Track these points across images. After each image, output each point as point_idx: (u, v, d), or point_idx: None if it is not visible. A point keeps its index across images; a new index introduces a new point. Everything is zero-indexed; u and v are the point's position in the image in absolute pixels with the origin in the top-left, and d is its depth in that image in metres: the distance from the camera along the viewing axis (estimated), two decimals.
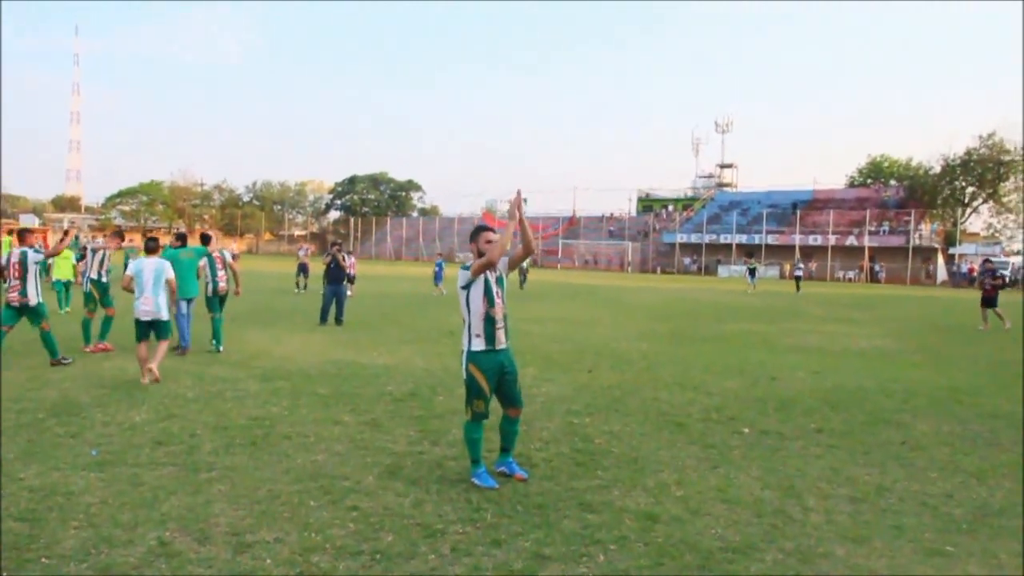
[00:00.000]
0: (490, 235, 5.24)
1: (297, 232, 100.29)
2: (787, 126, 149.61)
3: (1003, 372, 11.51)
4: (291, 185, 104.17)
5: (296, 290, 25.21)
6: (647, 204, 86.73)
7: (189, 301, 10.96)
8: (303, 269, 25.95)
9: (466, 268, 5.22)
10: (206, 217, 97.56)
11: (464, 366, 5.27)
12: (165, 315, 8.77)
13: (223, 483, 5.08)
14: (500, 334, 5.22)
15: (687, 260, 68.46)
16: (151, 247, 9.08)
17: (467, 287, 5.21)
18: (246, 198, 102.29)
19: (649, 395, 8.74)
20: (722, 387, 9.40)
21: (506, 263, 5.41)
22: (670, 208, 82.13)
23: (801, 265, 37.98)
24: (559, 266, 69.01)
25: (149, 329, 8.69)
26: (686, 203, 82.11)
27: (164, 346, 8.81)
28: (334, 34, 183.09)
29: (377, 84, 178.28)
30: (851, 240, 59.83)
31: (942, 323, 21.14)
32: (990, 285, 19.02)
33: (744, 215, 69.37)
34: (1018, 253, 59.23)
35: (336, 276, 15.72)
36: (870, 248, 58.13)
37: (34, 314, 9.46)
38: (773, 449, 6.54)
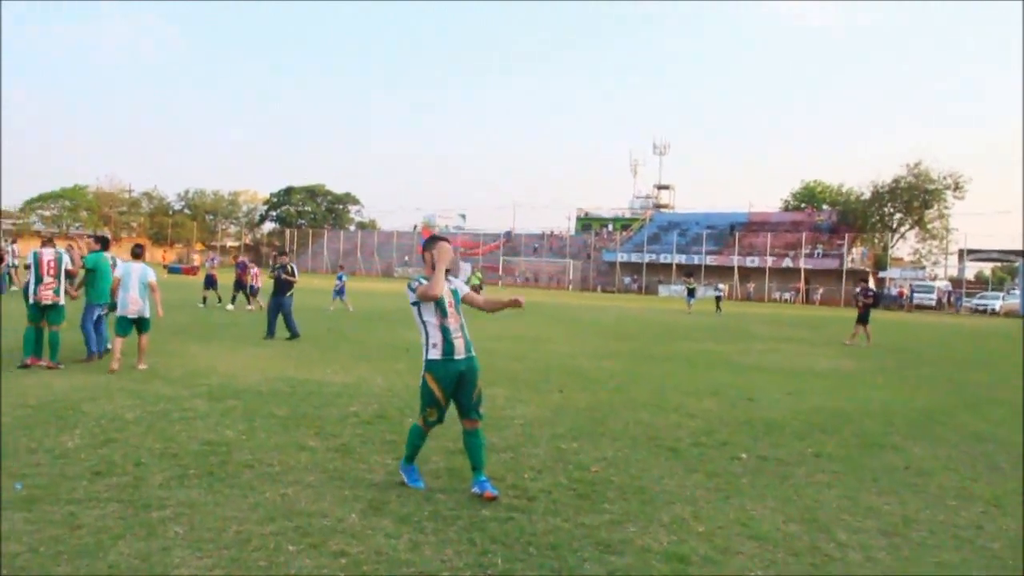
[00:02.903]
0: (444, 245, 5.23)
1: (230, 243, 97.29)
2: (722, 149, 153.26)
3: (965, 393, 11.45)
4: (224, 195, 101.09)
5: (200, 304, 22.62)
6: (586, 223, 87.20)
7: (104, 307, 10.68)
8: (210, 282, 23.80)
9: (412, 288, 5.17)
10: (134, 225, 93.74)
11: (421, 375, 5.20)
12: (148, 312, 9.96)
13: (180, 523, 4.30)
14: (458, 343, 5.18)
15: (627, 279, 68.83)
16: (137, 253, 10.40)
17: (417, 304, 5.20)
18: (177, 206, 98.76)
19: (630, 417, 8.23)
20: (701, 408, 8.98)
21: (468, 272, 5.18)
22: (609, 227, 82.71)
23: (721, 286, 38.23)
24: (500, 283, 68.52)
25: (132, 325, 9.83)
26: (624, 223, 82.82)
27: (146, 339, 10.03)
28: (270, 41, 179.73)
29: (315, 96, 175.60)
30: (787, 262, 61.08)
31: (888, 344, 21.34)
32: (862, 303, 20.03)
33: (683, 236, 70.23)
34: (941, 278, 61.43)
35: (281, 288, 14.82)
36: (805, 270, 59.42)
37: (59, 314, 10.05)
38: (780, 477, 6.09)
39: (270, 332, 14.52)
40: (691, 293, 35.54)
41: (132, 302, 9.75)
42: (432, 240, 5.29)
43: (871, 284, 57.74)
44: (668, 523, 4.79)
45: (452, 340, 5.16)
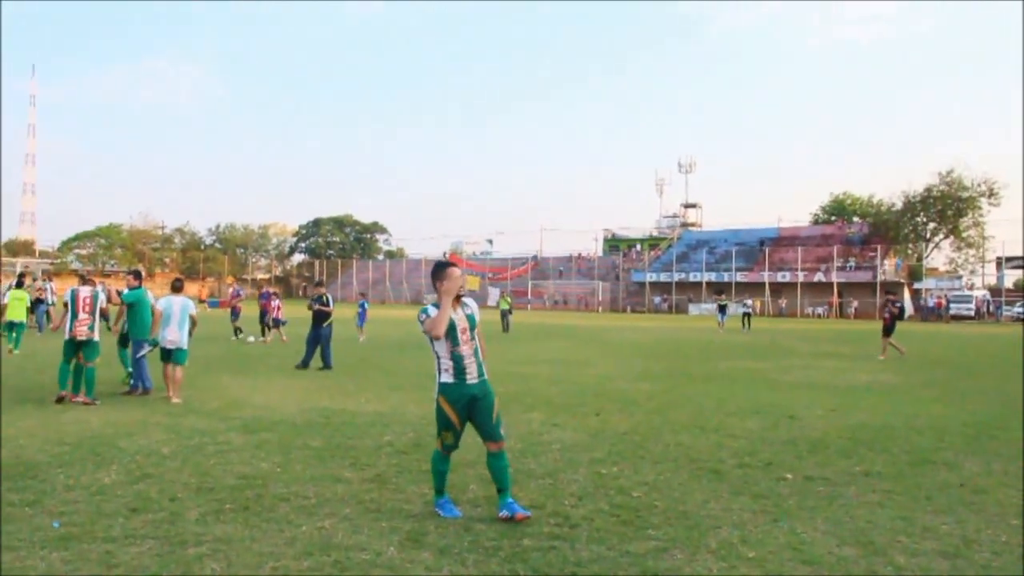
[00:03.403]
0: (455, 271, 5.18)
1: (260, 276, 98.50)
2: (749, 166, 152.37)
3: (1017, 405, 11.04)
4: (254, 228, 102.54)
5: (233, 337, 22.44)
6: (613, 243, 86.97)
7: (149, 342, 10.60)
8: (235, 313, 23.55)
9: (421, 320, 5.15)
10: (167, 260, 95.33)
11: (435, 398, 5.22)
12: (185, 345, 10.41)
13: (217, 560, 4.22)
14: (471, 368, 5.18)
15: (657, 299, 68.39)
16: (177, 287, 10.97)
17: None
18: (208, 241, 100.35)
19: (671, 439, 8.04)
20: (743, 428, 8.75)
21: (476, 306, 5.40)
22: (637, 247, 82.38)
23: (749, 302, 37.54)
24: (529, 307, 68.43)
25: (169, 355, 10.26)
26: (652, 242, 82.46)
27: (180, 371, 10.33)
28: (297, 78, 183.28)
29: (341, 128, 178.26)
30: (819, 276, 60.28)
31: (932, 356, 20.85)
32: (889, 315, 19.89)
33: (712, 253, 69.69)
34: (979, 287, 60.16)
35: (318, 319, 14.89)
36: (838, 284, 58.53)
37: (94, 349, 10.20)
38: (829, 498, 5.87)
39: (304, 362, 14.53)
40: (723, 310, 35.13)
41: (171, 333, 10.25)
42: (440, 267, 5.21)
43: (905, 296, 57.29)
44: (716, 549, 4.61)
45: (464, 366, 5.16)
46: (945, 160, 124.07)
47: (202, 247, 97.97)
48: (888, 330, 19.62)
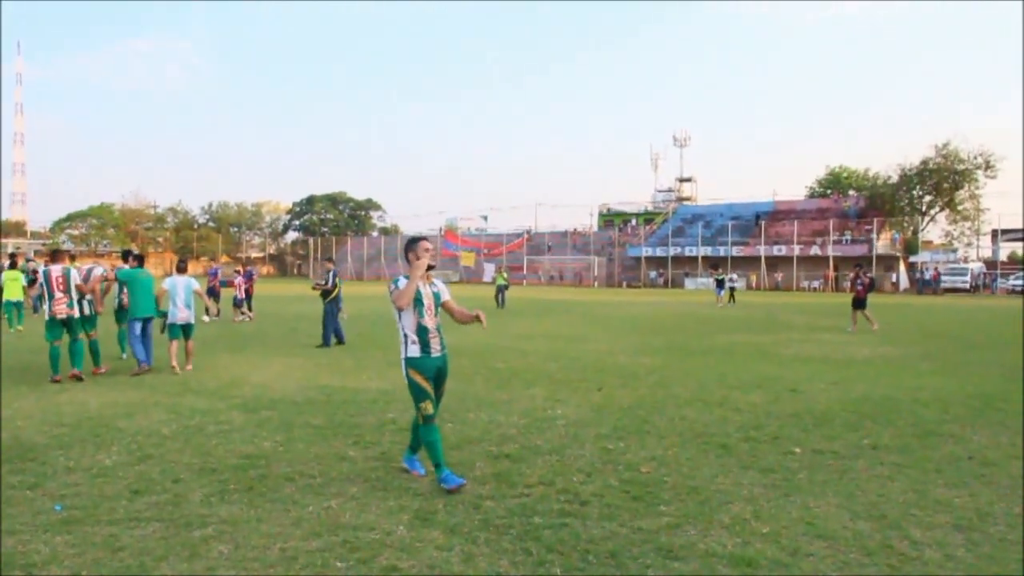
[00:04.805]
0: (426, 243, 5.42)
1: (255, 254, 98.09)
2: (744, 139, 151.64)
3: (1018, 378, 11.02)
4: (248, 206, 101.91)
5: (206, 317, 19.93)
6: (609, 219, 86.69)
7: (148, 320, 10.87)
8: (212, 293, 21.78)
9: (391, 291, 5.32)
10: (160, 240, 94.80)
11: (404, 372, 5.36)
12: (193, 319, 11.16)
13: (223, 542, 4.14)
14: (434, 343, 5.37)
15: (653, 273, 68.30)
16: (181, 268, 11.67)
17: None
18: (201, 220, 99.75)
19: (675, 413, 7.99)
20: (747, 402, 8.70)
21: (444, 287, 5.65)
22: (632, 222, 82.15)
23: (734, 276, 37.02)
24: (525, 282, 68.32)
25: (180, 331, 10.96)
26: (647, 217, 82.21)
27: (192, 344, 11.21)
28: (287, 55, 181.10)
29: (334, 104, 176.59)
30: (815, 250, 60.20)
31: (930, 328, 20.85)
32: (861, 287, 19.82)
33: (708, 228, 69.54)
34: (974, 260, 60.18)
35: (324, 296, 15.00)
36: (834, 257, 58.52)
37: (81, 325, 10.38)
38: (839, 471, 5.82)
39: (324, 341, 14.58)
40: (720, 284, 35.06)
41: (180, 311, 10.93)
42: (412, 241, 5.44)
43: (901, 269, 57.30)
44: (729, 524, 4.56)
45: (428, 340, 5.35)
46: (943, 133, 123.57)
47: (195, 226, 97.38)
48: (860, 303, 19.66)
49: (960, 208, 59.71)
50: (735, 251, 63.54)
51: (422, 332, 5.33)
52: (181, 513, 4.61)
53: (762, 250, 62.01)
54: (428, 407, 5.30)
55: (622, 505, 4.89)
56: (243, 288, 21.94)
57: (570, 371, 11.18)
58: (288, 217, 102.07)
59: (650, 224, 78.21)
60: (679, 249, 67.17)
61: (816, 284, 58.46)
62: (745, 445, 6.62)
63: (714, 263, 53.68)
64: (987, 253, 60.52)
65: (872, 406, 8.51)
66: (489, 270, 68.77)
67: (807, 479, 5.59)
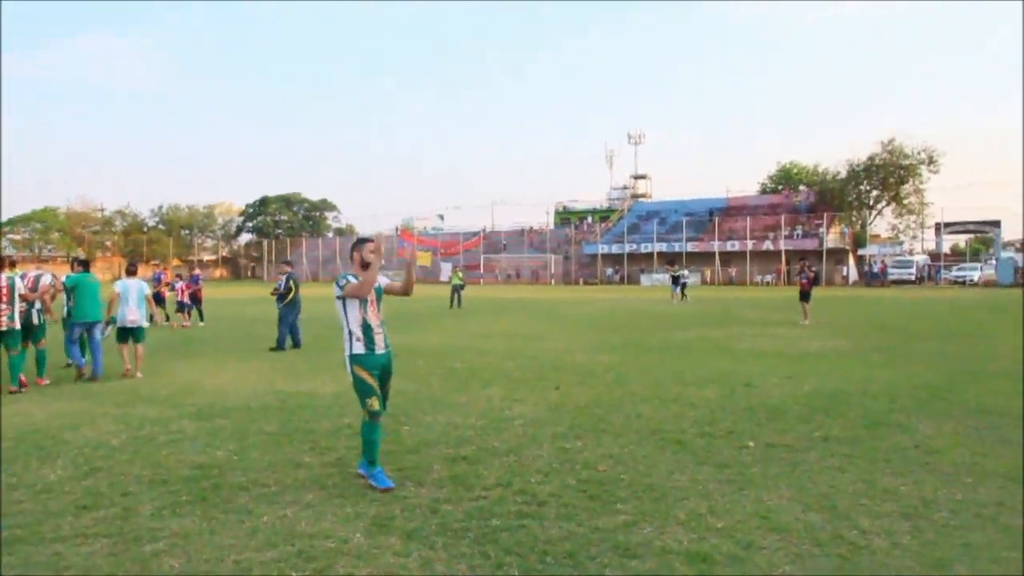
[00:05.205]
0: (372, 246, 5.47)
1: (207, 257, 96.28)
2: (698, 136, 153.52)
3: (962, 366, 11.40)
4: (199, 208, 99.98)
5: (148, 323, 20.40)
6: (565, 216, 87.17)
7: (93, 325, 10.74)
8: (157, 299, 19.91)
9: (340, 285, 5.38)
10: (108, 244, 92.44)
11: (349, 369, 5.40)
12: (145, 323, 11.14)
13: (175, 556, 4.05)
14: (379, 339, 5.42)
15: (609, 270, 68.86)
16: (131, 271, 11.64)
17: (342, 299, 5.39)
18: (151, 223, 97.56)
19: (631, 410, 8.06)
20: (702, 397, 8.82)
21: (386, 285, 5.63)
22: (588, 220, 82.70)
23: (686, 272, 37.41)
24: (481, 281, 68.31)
25: (129, 334, 10.91)
26: (603, 214, 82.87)
27: (142, 348, 11.07)
28: (239, 52, 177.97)
29: (288, 103, 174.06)
30: (767, 245, 61.34)
31: (879, 321, 21.37)
32: (805, 280, 20.60)
33: (663, 224, 70.35)
34: (919, 252, 61.85)
35: (280, 299, 14.88)
36: (785, 252, 59.66)
37: (18, 336, 9.88)
38: (791, 464, 5.94)
39: (283, 344, 14.48)
40: (675, 281, 35.43)
41: (130, 313, 10.91)
42: (360, 241, 5.54)
43: (850, 262, 58.67)
44: (685, 520, 4.62)
45: (373, 336, 5.39)
46: (889, 129, 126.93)
47: (145, 229, 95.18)
48: (805, 295, 20.29)
49: (905, 202, 61.53)
50: (690, 247, 64.38)
51: (367, 329, 5.35)
52: (130, 527, 4.50)
53: (716, 246, 63.01)
54: (374, 403, 5.33)
55: (579, 504, 4.92)
56: (186, 293, 21.12)
57: (527, 370, 11.20)
58: (241, 219, 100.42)
59: (606, 221, 78.82)
60: (635, 246, 67.88)
61: (769, 278, 59.57)
62: (700, 441, 6.70)
63: (670, 259, 54.33)
64: (931, 246, 62.26)
65: (823, 399, 8.70)
66: (446, 269, 68.56)
67: (761, 473, 5.69)
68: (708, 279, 61.27)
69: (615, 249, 69.04)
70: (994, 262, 55.87)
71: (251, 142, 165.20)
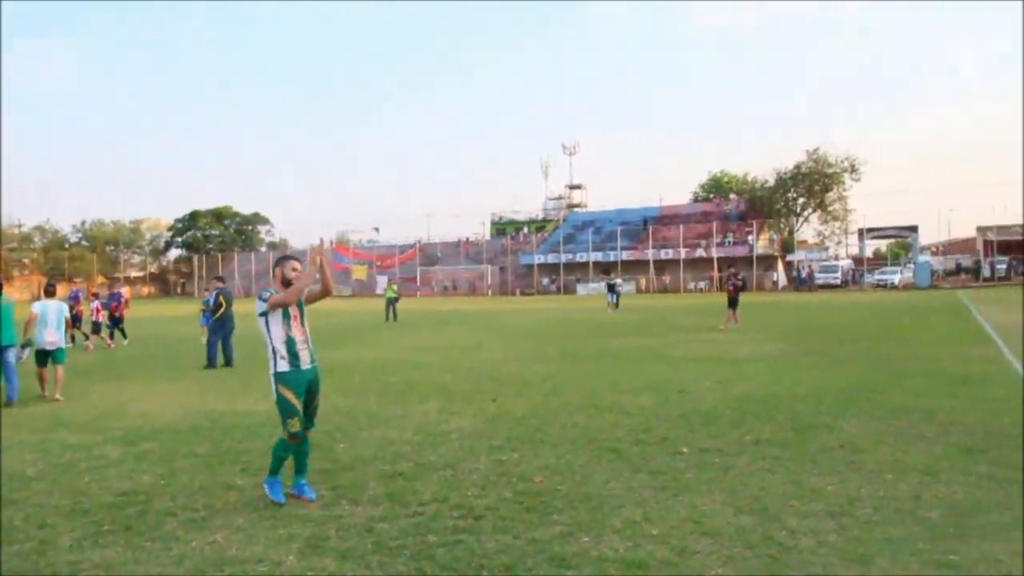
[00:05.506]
0: (295, 264, 5.50)
1: (135, 273, 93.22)
2: (632, 145, 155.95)
3: (884, 367, 11.84)
4: (125, 223, 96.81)
5: (70, 344, 17.32)
6: (501, 227, 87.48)
7: (7, 348, 10.19)
8: (75, 319, 18.61)
9: (263, 299, 5.33)
10: (26, 262, 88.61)
11: (274, 388, 5.32)
12: (63, 344, 10.92)
13: None
14: (304, 354, 5.36)
15: (545, 280, 69.29)
16: (50, 291, 11.44)
17: (264, 315, 5.34)
18: (73, 239, 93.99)
19: (568, 420, 8.12)
20: (637, 405, 8.95)
21: (384, 285, 5.19)
22: (524, 230, 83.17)
23: (619, 280, 37.92)
24: (418, 293, 67.93)
25: (49, 356, 10.66)
26: (539, 225, 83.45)
27: (61, 370, 10.74)
28: (165, 63, 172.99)
29: (217, 115, 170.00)
30: (700, 252, 62.67)
31: (807, 324, 22.03)
32: (732, 287, 20.99)
33: (598, 233, 71.19)
34: (843, 257, 64.14)
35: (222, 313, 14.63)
36: (717, 258, 61.06)
37: None
38: (723, 468, 6.07)
39: (210, 362, 14.27)
40: (611, 289, 35.87)
41: (49, 335, 10.66)
42: (283, 259, 5.55)
43: (779, 268, 60.46)
44: (621, 529, 4.66)
45: (297, 351, 5.33)
46: (814, 138, 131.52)
47: (67, 245, 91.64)
48: (732, 302, 20.73)
49: (830, 209, 63.83)
50: (625, 255, 65.29)
51: (291, 343, 5.30)
52: (48, 561, 4.30)
53: (650, 254, 64.08)
54: (295, 424, 5.29)
55: (516, 517, 4.92)
56: (101, 312, 19.99)
57: (465, 382, 11.18)
58: (170, 234, 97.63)
59: (542, 232, 79.37)
60: (571, 255, 68.50)
61: (702, 285, 60.81)
62: (635, 448, 6.79)
63: (605, 268, 54.95)
64: (855, 251, 64.58)
65: (754, 403, 8.91)
66: (382, 283, 67.99)
67: (694, 478, 5.79)
68: (643, 287, 62.21)
69: (551, 259, 69.54)
70: (912, 266, 58.27)
71: (181, 155, 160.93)
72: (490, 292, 68.29)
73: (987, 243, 59.19)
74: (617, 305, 33.26)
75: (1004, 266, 55.51)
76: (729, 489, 5.47)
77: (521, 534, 4.59)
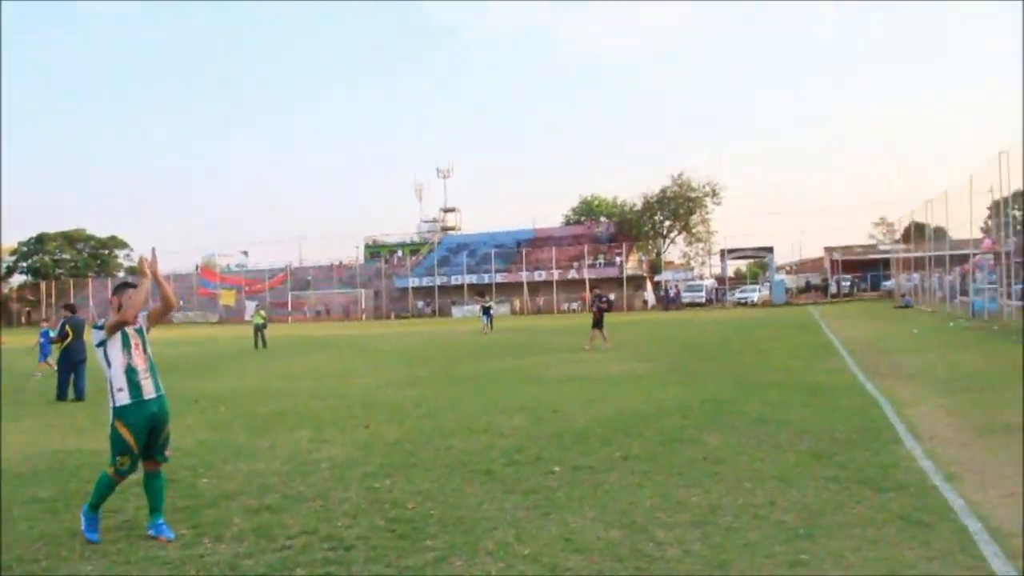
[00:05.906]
0: (132, 292, 5.27)
1: None
2: (505, 169, 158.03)
3: (744, 381, 12.51)
4: None
5: None
6: (375, 250, 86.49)
7: None
8: None
9: (99, 327, 5.17)
10: None
11: (111, 421, 5.13)
12: None
13: None
14: (147, 384, 5.15)
15: (420, 303, 68.92)
16: None
17: (102, 344, 5.13)
18: None
19: (441, 444, 8.08)
20: (511, 426, 9.02)
21: (146, 316, 5.43)
22: (399, 253, 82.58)
23: (491, 303, 38.34)
24: (289, 319, 65.91)
25: None
26: (413, 248, 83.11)
27: None
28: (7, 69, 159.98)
29: (67, 128, 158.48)
30: (572, 273, 64.19)
31: (674, 342, 22.93)
32: (597, 309, 21.82)
33: (472, 256, 71.61)
34: (707, 277, 67.54)
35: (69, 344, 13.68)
36: (589, 280, 62.71)
37: None
38: (594, 485, 6.20)
39: (61, 394, 13.47)
40: (486, 312, 36.09)
41: None
42: (122, 286, 5.36)
43: (648, 288, 62.94)
44: (494, 550, 4.67)
45: (139, 381, 5.12)
46: (678, 164, 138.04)
47: None
48: (598, 323, 21.36)
49: (694, 231, 67.20)
50: (499, 278, 65.97)
51: (131, 373, 5.08)
52: None
53: (524, 276, 65.00)
54: (125, 462, 5.10)
55: (388, 545, 4.83)
56: None
57: (336, 409, 10.91)
58: (13, 258, 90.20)
59: (416, 255, 79.06)
60: (446, 278, 68.49)
61: (575, 306, 62.24)
62: (509, 469, 6.83)
63: (480, 291, 55.29)
64: (717, 270, 68.09)
65: (624, 420, 9.18)
66: (250, 308, 65.48)
67: (566, 496, 5.88)
68: (517, 309, 62.96)
69: (426, 282, 69.29)
70: (769, 284, 62.09)
71: (26, 174, 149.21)
72: (364, 316, 67.16)
73: (833, 262, 63.93)
74: (491, 327, 33.47)
75: (848, 283, 60.61)
76: (599, 505, 5.60)
77: (393, 562, 4.51)
